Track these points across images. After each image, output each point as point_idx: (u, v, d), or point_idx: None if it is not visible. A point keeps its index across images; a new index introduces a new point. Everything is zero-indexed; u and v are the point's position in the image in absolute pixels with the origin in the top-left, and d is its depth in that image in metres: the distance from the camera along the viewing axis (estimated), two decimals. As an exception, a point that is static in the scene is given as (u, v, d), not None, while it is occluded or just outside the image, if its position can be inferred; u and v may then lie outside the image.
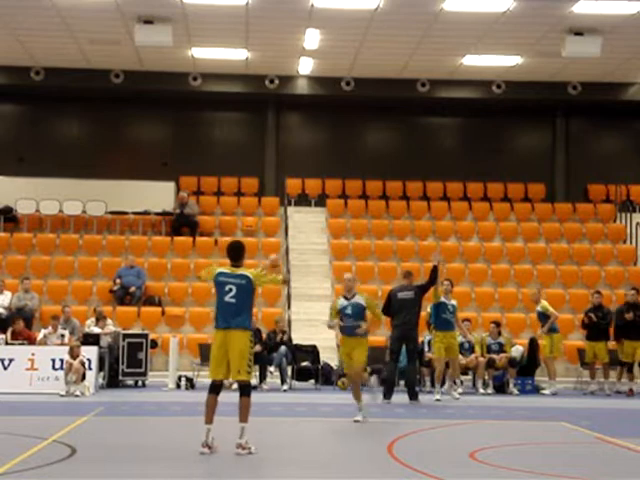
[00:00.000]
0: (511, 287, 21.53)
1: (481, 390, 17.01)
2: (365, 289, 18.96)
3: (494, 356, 17.18)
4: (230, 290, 9.22)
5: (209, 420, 9.21)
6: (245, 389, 9.27)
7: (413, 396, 15.07)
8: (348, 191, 24.64)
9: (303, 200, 24.61)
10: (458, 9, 18.69)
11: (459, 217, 23.93)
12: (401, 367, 16.16)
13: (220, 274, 9.35)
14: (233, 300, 9.22)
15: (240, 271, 9.31)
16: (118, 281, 20.10)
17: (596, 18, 18.88)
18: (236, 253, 9.43)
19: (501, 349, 17.35)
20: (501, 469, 8.68)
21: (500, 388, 17.24)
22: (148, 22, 19.27)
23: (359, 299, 12.24)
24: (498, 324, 17.78)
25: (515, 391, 17.12)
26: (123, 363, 16.91)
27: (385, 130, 25.60)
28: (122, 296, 20.02)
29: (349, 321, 12.12)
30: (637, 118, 25.01)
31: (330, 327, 12.39)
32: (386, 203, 24.24)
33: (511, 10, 18.65)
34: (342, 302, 12.34)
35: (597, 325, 17.62)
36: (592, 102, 24.19)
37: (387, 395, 15.01)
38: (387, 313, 15.39)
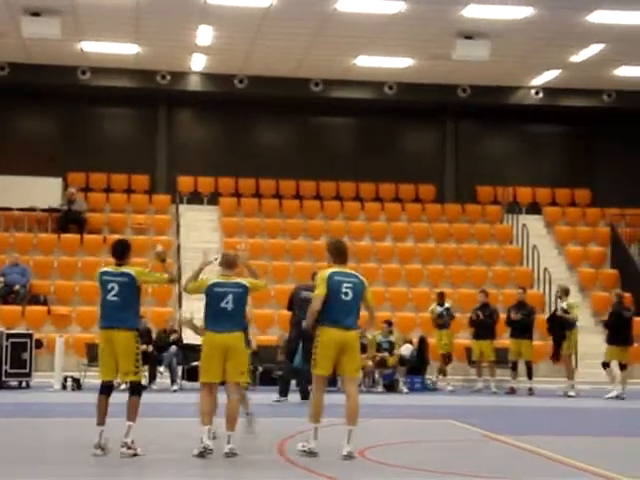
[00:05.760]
0: (402, 286, 21.78)
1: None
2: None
3: (385, 355, 17.37)
4: (112, 288, 9.09)
5: (101, 421, 9.04)
6: (135, 388, 9.15)
7: (305, 395, 15.09)
8: (241, 190, 24.48)
9: (195, 198, 24.35)
10: (351, 10, 18.79)
11: (351, 217, 24.08)
12: (295, 366, 16.17)
13: (103, 273, 9.23)
14: (115, 298, 9.07)
15: (123, 269, 9.16)
16: (1, 279, 19.62)
17: (485, 22, 19.25)
18: (120, 251, 9.29)
19: (391, 348, 17.53)
20: (390, 467, 8.74)
21: (390, 386, 17.41)
22: (35, 14, 18.78)
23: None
24: (390, 323, 17.96)
25: (404, 389, 17.31)
26: (6, 364, 16.41)
27: (279, 129, 25.55)
28: (6, 294, 19.52)
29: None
30: (524, 121, 25.61)
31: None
32: (279, 202, 24.20)
33: (402, 12, 18.84)
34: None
35: (483, 323, 17.97)
36: (481, 105, 24.65)
37: (282, 393, 15.03)
38: (290, 309, 15.47)
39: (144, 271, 9.29)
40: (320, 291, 9.15)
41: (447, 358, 18.33)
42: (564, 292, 17.96)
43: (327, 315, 9.09)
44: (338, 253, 9.36)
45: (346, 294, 9.12)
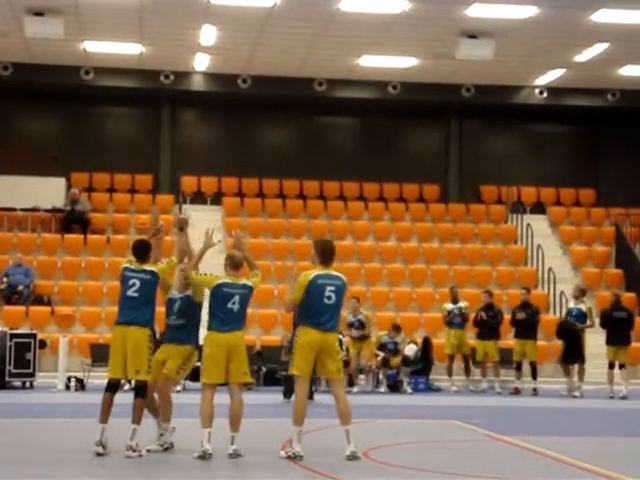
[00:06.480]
0: (406, 287, 21.74)
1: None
2: (261, 289, 18.84)
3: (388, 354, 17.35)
4: (133, 284, 9.14)
5: (104, 419, 9.01)
6: (140, 390, 9.12)
7: (310, 396, 15.04)
8: (244, 189, 24.46)
9: (199, 198, 24.33)
10: (354, 9, 18.75)
11: (355, 217, 24.05)
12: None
13: (126, 269, 9.27)
14: (135, 294, 9.13)
15: (145, 267, 9.23)
16: (5, 279, 19.61)
17: (489, 22, 19.20)
18: (140, 251, 9.34)
19: (396, 348, 17.49)
20: (393, 467, 8.71)
21: (394, 387, 17.37)
22: (38, 14, 18.77)
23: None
24: (398, 328, 17.88)
25: (408, 390, 17.26)
26: (10, 364, 16.37)
27: (282, 129, 25.52)
28: (9, 295, 19.52)
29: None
30: (528, 121, 25.56)
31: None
32: (283, 202, 24.18)
33: (407, 12, 18.81)
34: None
35: (487, 324, 17.90)
36: (485, 104, 24.60)
37: (287, 395, 15.01)
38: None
39: (164, 267, 9.37)
40: (295, 296, 9.03)
41: (465, 360, 18.22)
42: (581, 292, 17.75)
43: (308, 317, 8.98)
44: (325, 254, 9.17)
45: (329, 298, 9.00)
